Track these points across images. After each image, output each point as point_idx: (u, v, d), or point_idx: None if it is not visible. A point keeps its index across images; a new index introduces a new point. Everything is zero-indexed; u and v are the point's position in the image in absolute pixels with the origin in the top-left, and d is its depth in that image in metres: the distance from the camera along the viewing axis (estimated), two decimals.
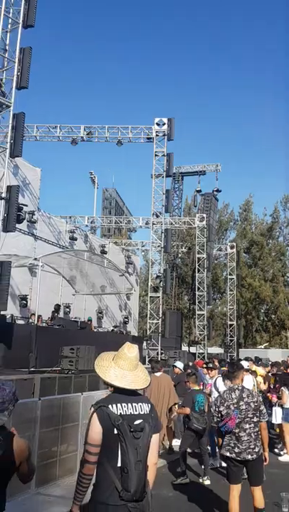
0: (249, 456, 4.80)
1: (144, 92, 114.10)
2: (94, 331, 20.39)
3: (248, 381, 8.32)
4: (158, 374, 9.13)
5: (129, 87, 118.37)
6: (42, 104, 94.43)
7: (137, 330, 31.83)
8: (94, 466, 2.70)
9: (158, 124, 23.50)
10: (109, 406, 2.69)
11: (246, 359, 11.25)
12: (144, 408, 2.76)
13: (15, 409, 6.34)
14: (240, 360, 14.63)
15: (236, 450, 4.84)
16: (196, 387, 7.60)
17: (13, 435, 2.74)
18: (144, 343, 22.69)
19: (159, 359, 18.04)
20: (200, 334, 28.15)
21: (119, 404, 2.71)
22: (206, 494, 6.64)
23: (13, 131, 12.60)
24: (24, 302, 18.62)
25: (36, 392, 9.88)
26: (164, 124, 23.45)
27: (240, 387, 5.07)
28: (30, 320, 15.90)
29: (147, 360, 21.07)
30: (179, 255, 39.73)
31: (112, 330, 23.65)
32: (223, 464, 7.75)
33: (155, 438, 2.79)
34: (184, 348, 30.12)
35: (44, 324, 16.21)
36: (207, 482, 7.05)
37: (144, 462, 2.62)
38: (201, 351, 27.78)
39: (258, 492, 4.89)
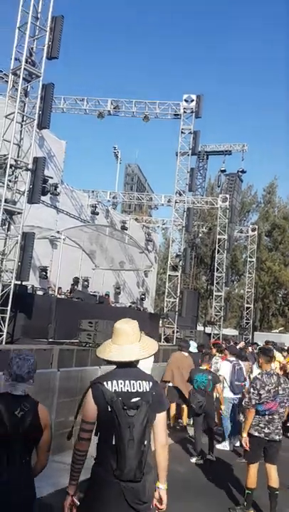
0: (277, 437, 5.09)
1: (173, 67, 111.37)
2: (112, 306, 20.57)
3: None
4: (186, 354, 9.23)
5: (158, 62, 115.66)
6: (69, 75, 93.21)
7: (153, 307, 32.03)
8: (87, 443, 2.70)
9: (186, 101, 23.00)
10: (105, 383, 2.64)
11: (266, 343, 11.19)
12: (143, 386, 2.66)
13: (34, 379, 6.49)
14: (255, 343, 14.60)
15: (266, 430, 5.07)
16: (204, 367, 7.59)
17: (38, 402, 2.82)
18: (161, 321, 22.83)
19: (180, 338, 18.08)
20: (216, 315, 28.18)
21: (115, 381, 2.64)
22: (219, 472, 6.71)
23: (41, 102, 12.48)
24: (44, 274, 18.88)
25: (54, 363, 10.07)
26: (192, 100, 22.93)
27: (276, 373, 5.31)
28: (50, 292, 16.10)
29: (163, 337, 21.26)
30: (199, 235, 39.46)
31: (130, 306, 23.84)
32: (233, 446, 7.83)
33: (160, 417, 2.71)
34: (200, 327, 30.21)
35: (63, 296, 16.41)
36: (213, 458, 7.16)
37: (138, 441, 2.52)
38: (216, 332, 27.86)
39: (273, 471, 5.11)
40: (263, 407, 5.06)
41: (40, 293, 15.97)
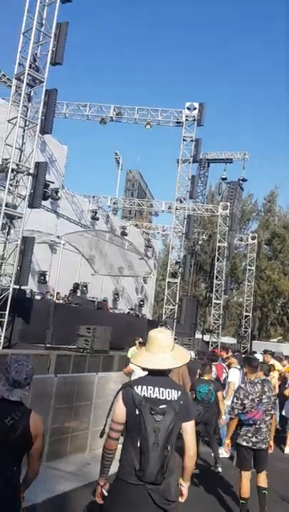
0: (264, 446, 5.14)
1: (176, 74, 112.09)
2: (110, 312, 20.56)
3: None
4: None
5: (161, 70, 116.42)
6: (73, 80, 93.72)
7: (151, 314, 31.99)
8: (115, 442, 2.85)
9: (188, 109, 23.13)
10: (135, 387, 2.75)
11: (265, 352, 11.19)
12: (171, 394, 2.76)
13: (31, 384, 6.47)
14: (255, 352, 14.58)
15: (253, 440, 5.12)
16: (205, 377, 7.57)
17: (31, 411, 2.77)
18: (159, 328, 22.75)
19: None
20: (214, 323, 28.12)
21: (144, 387, 2.75)
22: (215, 480, 6.70)
23: (44, 107, 12.57)
24: (43, 278, 18.88)
25: (52, 368, 10.05)
26: (194, 108, 23.07)
27: (260, 381, 5.24)
28: (49, 297, 16.10)
29: None
30: (199, 242, 39.48)
31: (128, 312, 23.81)
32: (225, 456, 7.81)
33: (187, 426, 2.80)
34: (198, 335, 30.15)
35: (62, 301, 16.40)
36: (219, 470, 7.12)
37: (163, 446, 2.63)
38: (214, 340, 27.81)
39: (262, 475, 5.24)
40: (246, 417, 5.09)
41: (38, 297, 15.96)
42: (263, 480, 5.23)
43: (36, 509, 4.69)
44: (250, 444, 5.12)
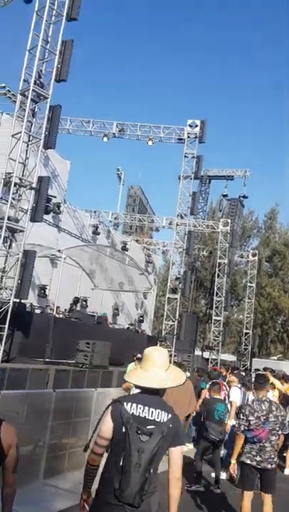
0: (269, 466, 4.99)
1: (177, 90, 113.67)
2: (110, 327, 20.48)
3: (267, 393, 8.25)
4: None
5: (163, 87, 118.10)
6: (76, 96, 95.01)
7: (151, 330, 31.84)
8: (99, 458, 2.78)
9: (190, 126, 23.34)
10: (125, 403, 2.69)
11: (265, 369, 11.09)
12: (161, 416, 2.69)
13: (30, 398, 6.36)
14: (258, 370, 14.46)
15: (258, 459, 4.99)
16: (218, 396, 7.50)
17: (1, 422, 2.66)
18: (158, 344, 22.63)
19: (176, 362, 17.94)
20: (214, 340, 27.95)
21: (134, 404, 2.69)
22: (215, 500, 6.58)
23: (48, 122, 12.71)
24: (43, 292, 18.85)
25: (50, 383, 9.98)
26: (196, 126, 23.27)
27: (268, 400, 5.18)
28: (49, 311, 16.05)
29: None
30: (200, 258, 39.51)
31: (128, 328, 23.71)
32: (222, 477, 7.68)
33: (176, 451, 2.71)
34: (197, 352, 29.95)
35: (62, 316, 16.34)
36: (218, 491, 7.00)
37: (145, 468, 2.55)
38: (214, 357, 27.59)
39: (267, 500, 5.04)
40: (250, 434, 5.01)
41: (38, 311, 15.92)
42: (268, 508, 5.02)
43: None
44: (254, 463, 4.98)
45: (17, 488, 2.78)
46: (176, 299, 23.35)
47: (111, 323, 22.98)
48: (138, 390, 2.87)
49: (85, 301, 21.66)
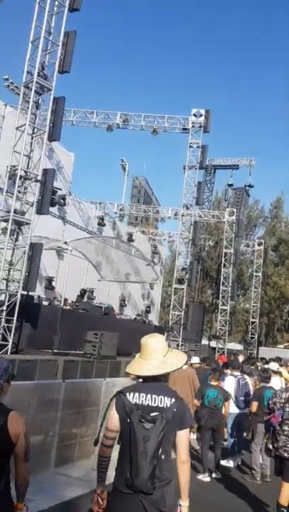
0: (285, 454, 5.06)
1: (181, 81, 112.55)
2: (117, 318, 20.56)
3: (276, 382, 8.26)
4: (185, 366, 9.09)
5: (168, 76, 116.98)
6: (80, 87, 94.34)
7: (158, 320, 31.93)
8: (109, 450, 2.81)
9: (195, 115, 23.18)
10: (127, 394, 2.71)
11: (274, 360, 11.08)
12: (164, 401, 2.69)
13: (39, 389, 6.41)
14: (264, 359, 14.44)
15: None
16: (213, 383, 7.52)
17: (10, 411, 2.62)
18: (165, 334, 22.71)
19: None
20: (221, 329, 28.01)
21: (136, 394, 2.70)
22: (225, 488, 6.62)
23: (52, 115, 12.65)
24: (50, 284, 18.93)
25: (59, 374, 10.05)
26: (201, 115, 23.11)
27: None
28: (56, 303, 16.13)
29: None
30: (206, 248, 39.44)
31: (135, 318, 23.78)
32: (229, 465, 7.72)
33: (182, 435, 2.72)
34: (204, 341, 30.02)
35: (69, 307, 16.42)
36: (215, 475, 7.08)
37: (152, 454, 2.56)
38: (220, 346, 27.67)
39: (287, 488, 5.07)
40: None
41: (45, 303, 16.00)
42: (285, 496, 5.05)
43: None
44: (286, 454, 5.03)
45: (30, 478, 2.77)
46: (183, 289, 23.37)
47: (118, 314, 23.06)
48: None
49: (92, 292, 21.73)
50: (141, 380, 2.87)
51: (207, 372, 9.66)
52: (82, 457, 7.10)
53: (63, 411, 6.65)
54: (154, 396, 2.69)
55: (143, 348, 2.85)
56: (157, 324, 28.71)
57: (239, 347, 37.59)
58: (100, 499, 2.77)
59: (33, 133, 12.90)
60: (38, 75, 12.45)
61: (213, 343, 29.26)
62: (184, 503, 2.79)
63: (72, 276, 17.16)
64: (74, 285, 18.41)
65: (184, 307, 23.54)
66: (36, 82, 12.43)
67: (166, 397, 2.70)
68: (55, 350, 12.59)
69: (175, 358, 2.86)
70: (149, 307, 28.87)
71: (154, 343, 2.83)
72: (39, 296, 15.64)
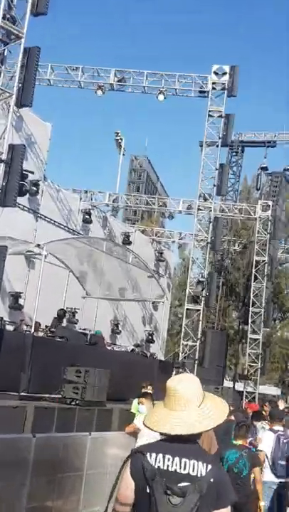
0: None
1: (198, 29, 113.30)
2: (108, 350, 20.58)
3: None
4: None
5: (179, 22, 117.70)
6: (60, 36, 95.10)
7: (164, 352, 31.93)
8: None
9: (216, 74, 23.32)
10: (148, 455, 2.68)
11: None
12: (197, 468, 2.67)
13: (1, 447, 6.43)
14: None
15: None
16: (238, 441, 7.50)
17: None
18: (174, 372, 22.69)
19: None
20: (250, 366, 27.99)
21: (160, 455, 2.68)
22: None
23: (22, 71, 12.76)
24: (17, 302, 18.95)
25: (28, 426, 10.06)
26: (224, 73, 23.24)
27: None
28: (25, 327, 16.17)
29: None
30: (230, 255, 39.51)
31: (133, 350, 23.80)
32: None
33: None
34: (227, 383, 30.00)
35: (42, 334, 16.45)
36: None
37: None
38: (250, 389, 27.63)
39: None
40: None
41: (10, 328, 16.02)
42: None
43: None
44: None
45: None
46: (199, 310, 23.38)
47: (109, 344, 23.08)
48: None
49: (74, 314, 21.75)
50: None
51: (230, 426, 9.69)
52: None
53: (33, 477, 6.68)
54: (183, 460, 2.67)
55: (169, 395, 2.82)
56: (163, 358, 28.70)
57: (275, 391, 37.55)
58: None
59: None
60: (4, 18, 12.57)
61: (239, 385, 29.24)
62: None
63: (46, 292, 17.16)
64: (50, 304, 18.43)
65: (199, 335, 23.52)
66: (1, 27, 12.56)
67: (200, 463, 2.68)
68: (23, 393, 12.59)
69: (214, 408, 2.85)
70: (151, 335, 28.88)
71: (183, 390, 2.82)
72: (1, 319, 15.65)
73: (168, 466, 2.66)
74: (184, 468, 2.66)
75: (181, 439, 2.73)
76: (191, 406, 2.80)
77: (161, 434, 2.81)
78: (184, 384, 2.86)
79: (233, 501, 2.87)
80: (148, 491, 2.61)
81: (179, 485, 2.61)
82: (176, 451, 2.70)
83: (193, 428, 2.75)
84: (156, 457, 2.68)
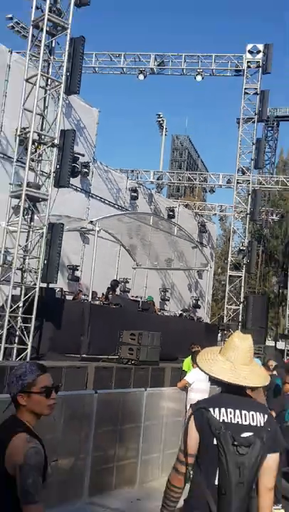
0: None
1: (233, 10, 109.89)
2: (158, 315, 20.69)
3: None
4: None
5: (213, 3, 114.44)
6: (103, 25, 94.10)
7: (209, 316, 31.89)
8: (182, 479, 2.79)
9: (251, 52, 22.81)
10: (211, 410, 2.69)
11: None
12: (257, 419, 2.70)
13: (67, 402, 6.54)
14: None
15: None
16: None
17: (17, 433, 2.43)
18: (220, 334, 22.67)
19: None
20: None
21: (223, 409, 2.69)
22: None
23: (69, 60, 12.68)
24: (74, 274, 19.22)
25: (90, 384, 10.25)
26: (258, 51, 22.72)
27: None
28: (83, 297, 16.37)
29: None
30: (268, 225, 38.88)
31: (181, 314, 23.85)
32: None
33: (272, 459, 2.72)
34: (269, 342, 29.80)
35: (98, 302, 16.64)
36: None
37: (248, 486, 2.59)
38: None
39: None
40: None
41: (70, 298, 16.26)
42: None
43: None
44: None
45: (58, 508, 2.71)
46: (240, 276, 23.21)
47: (159, 310, 23.19)
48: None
49: (126, 283, 21.90)
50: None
51: (273, 381, 9.59)
52: (122, 485, 7.26)
53: (97, 428, 6.80)
54: (243, 412, 2.70)
55: (238, 350, 2.82)
56: (209, 322, 28.70)
57: None
58: None
59: (47, 85, 12.99)
60: (50, 11, 12.44)
61: (280, 344, 29.00)
62: None
63: (101, 264, 17.34)
64: (104, 275, 18.60)
65: (242, 300, 23.35)
66: (48, 19, 12.44)
67: (258, 414, 2.72)
68: (84, 355, 12.82)
69: (260, 371, 2.92)
70: (197, 300, 28.84)
71: (248, 348, 2.85)
72: (62, 290, 15.86)
73: (231, 418, 2.68)
74: (245, 420, 2.69)
75: (237, 391, 2.76)
76: (253, 361, 2.86)
77: (228, 385, 2.75)
78: (250, 341, 2.89)
79: (283, 447, 2.89)
80: (215, 442, 2.62)
81: (242, 435, 2.63)
82: (236, 404, 2.73)
83: (265, 380, 2.82)
84: (219, 411, 2.69)
